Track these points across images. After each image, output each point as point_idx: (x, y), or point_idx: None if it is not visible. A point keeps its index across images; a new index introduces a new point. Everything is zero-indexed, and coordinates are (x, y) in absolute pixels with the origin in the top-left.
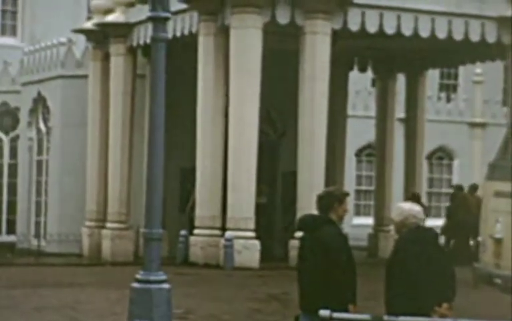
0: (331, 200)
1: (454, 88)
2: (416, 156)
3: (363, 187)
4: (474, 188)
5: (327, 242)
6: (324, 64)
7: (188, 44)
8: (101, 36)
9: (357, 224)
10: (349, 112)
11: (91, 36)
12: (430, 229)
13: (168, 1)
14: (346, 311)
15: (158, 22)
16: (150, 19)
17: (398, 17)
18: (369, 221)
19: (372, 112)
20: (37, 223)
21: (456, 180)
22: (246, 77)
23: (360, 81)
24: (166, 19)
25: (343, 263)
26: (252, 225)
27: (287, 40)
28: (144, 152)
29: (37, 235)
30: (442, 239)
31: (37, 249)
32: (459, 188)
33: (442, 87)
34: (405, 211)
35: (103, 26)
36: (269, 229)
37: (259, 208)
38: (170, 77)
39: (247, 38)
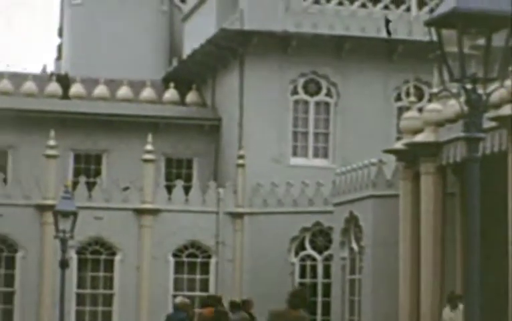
0: None
1: None
2: None
3: None
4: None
5: None
6: None
7: (495, 161)
8: (411, 155)
9: None
10: None
11: (401, 156)
12: None
13: (482, 122)
14: None
15: (472, 142)
16: (463, 139)
17: None
18: None
19: None
20: None
21: None
22: None
23: None
24: (480, 139)
25: None
26: None
27: None
28: (455, 270)
29: None
30: None
31: None
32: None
33: None
34: None
35: (413, 146)
36: None
37: None
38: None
39: None
